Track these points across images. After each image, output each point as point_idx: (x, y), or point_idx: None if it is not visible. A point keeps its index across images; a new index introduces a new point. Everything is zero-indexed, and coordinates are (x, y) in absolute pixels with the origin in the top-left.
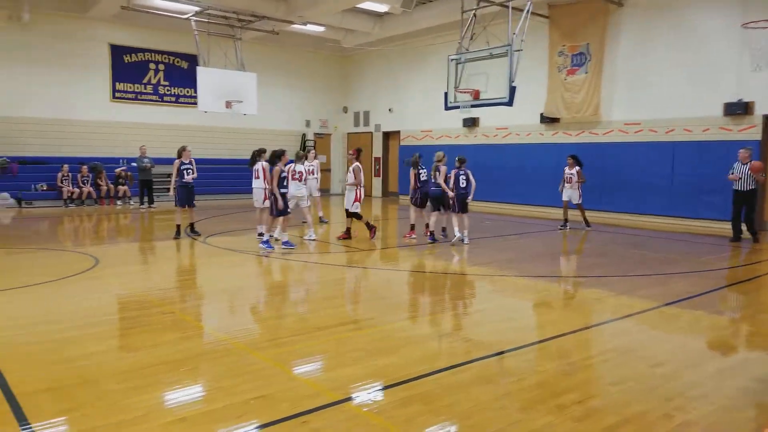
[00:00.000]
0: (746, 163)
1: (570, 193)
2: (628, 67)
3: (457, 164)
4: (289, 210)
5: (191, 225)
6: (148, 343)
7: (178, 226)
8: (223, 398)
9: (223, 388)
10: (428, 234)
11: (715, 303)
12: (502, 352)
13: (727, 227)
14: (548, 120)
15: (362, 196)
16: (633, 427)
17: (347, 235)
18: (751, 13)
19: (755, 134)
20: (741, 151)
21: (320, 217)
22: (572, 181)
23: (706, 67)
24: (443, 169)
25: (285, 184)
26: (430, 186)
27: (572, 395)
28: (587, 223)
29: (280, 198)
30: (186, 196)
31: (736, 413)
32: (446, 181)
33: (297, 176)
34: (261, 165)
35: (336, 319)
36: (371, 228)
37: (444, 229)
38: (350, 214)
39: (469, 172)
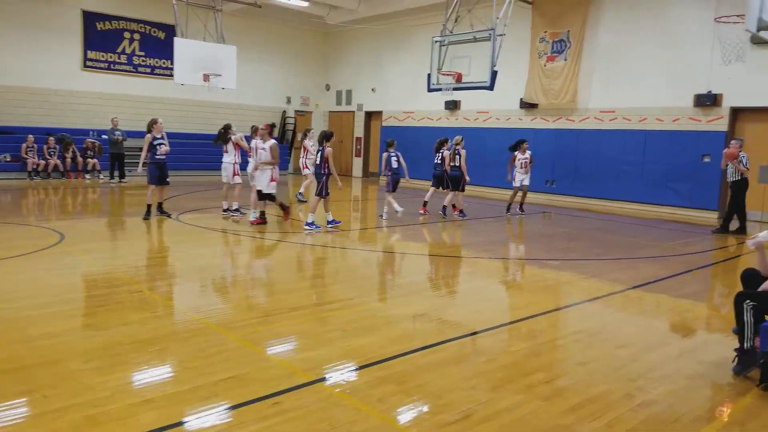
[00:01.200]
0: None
1: (523, 177)
2: (605, 56)
3: (387, 147)
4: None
5: (159, 205)
6: (116, 322)
7: (149, 206)
8: (192, 379)
9: (193, 369)
10: (457, 211)
11: (679, 287)
12: (475, 333)
13: (694, 214)
14: (527, 105)
15: (278, 176)
16: (596, 406)
17: (262, 219)
18: (724, 8)
19: (722, 125)
20: (732, 142)
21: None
22: (526, 165)
23: (679, 59)
24: (463, 152)
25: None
26: (452, 169)
27: (540, 375)
28: (522, 208)
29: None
30: (159, 173)
31: (694, 393)
32: (394, 164)
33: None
34: (233, 140)
35: (311, 300)
36: (285, 209)
37: (444, 207)
38: (264, 196)
39: (399, 154)
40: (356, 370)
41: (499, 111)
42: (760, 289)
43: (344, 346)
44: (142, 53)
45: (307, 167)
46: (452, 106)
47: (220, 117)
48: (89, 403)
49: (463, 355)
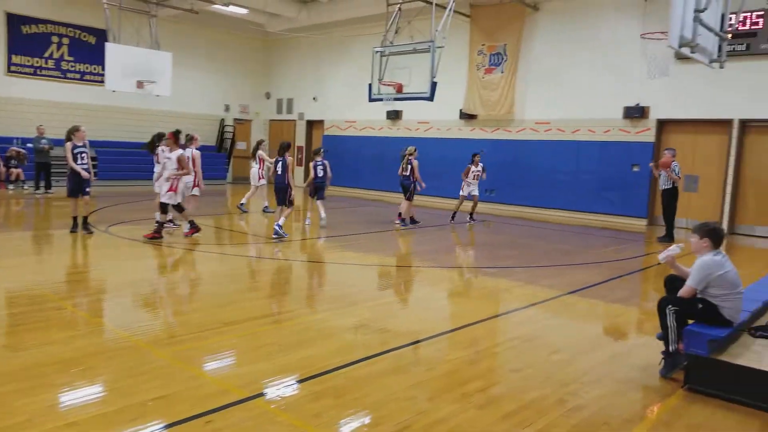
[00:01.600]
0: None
1: (473, 187)
2: (540, 69)
3: (314, 155)
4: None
5: (84, 219)
6: (37, 341)
7: (75, 219)
8: (119, 400)
9: (120, 389)
10: (399, 220)
11: (611, 292)
12: (415, 342)
13: (624, 222)
14: (467, 116)
15: (184, 186)
16: (530, 413)
17: (158, 233)
18: (650, 24)
19: (650, 137)
20: (665, 151)
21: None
22: (478, 177)
23: (609, 72)
24: (415, 162)
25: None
26: (403, 178)
27: (477, 383)
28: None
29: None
30: (77, 184)
31: (623, 396)
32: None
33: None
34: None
35: (248, 313)
36: (194, 226)
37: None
38: (162, 206)
39: (326, 162)
40: (292, 385)
41: (439, 121)
42: (679, 294)
43: (280, 361)
44: (72, 58)
45: (263, 178)
46: (394, 115)
47: (156, 125)
48: (8, 429)
49: (401, 365)
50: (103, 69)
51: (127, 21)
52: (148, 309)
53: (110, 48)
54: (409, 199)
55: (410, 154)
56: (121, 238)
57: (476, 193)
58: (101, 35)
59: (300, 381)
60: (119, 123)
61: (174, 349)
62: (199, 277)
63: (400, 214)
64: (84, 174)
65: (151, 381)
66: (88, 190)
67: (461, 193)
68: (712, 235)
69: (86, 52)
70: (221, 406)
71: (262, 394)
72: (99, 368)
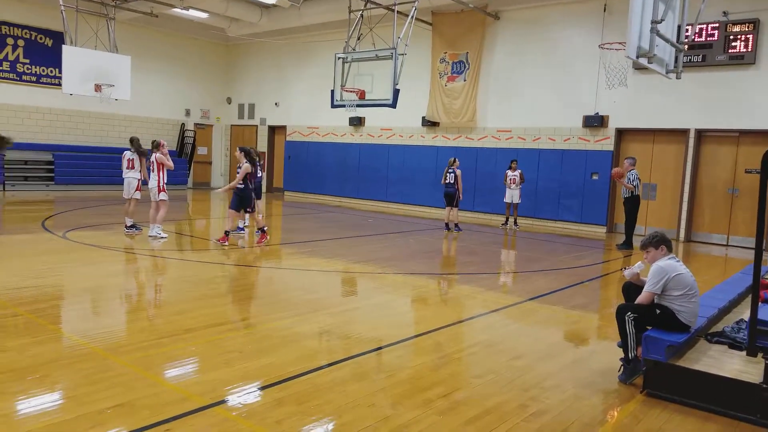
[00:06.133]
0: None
1: (514, 193)
2: (502, 78)
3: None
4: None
5: None
6: None
7: None
8: (76, 408)
9: (77, 398)
10: (455, 226)
11: (571, 298)
12: (378, 349)
13: (585, 229)
14: (429, 123)
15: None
16: (491, 418)
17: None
18: (608, 35)
19: (609, 145)
20: (625, 161)
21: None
22: (515, 182)
23: (569, 81)
24: (458, 171)
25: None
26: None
27: (439, 389)
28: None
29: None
30: None
31: (583, 401)
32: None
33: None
34: (128, 154)
35: (209, 320)
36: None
37: (447, 224)
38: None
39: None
40: (254, 391)
41: (402, 128)
42: (636, 301)
43: (242, 368)
44: (27, 60)
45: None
46: (357, 122)
47: (115, 129)
48: None
49: (364, 371)
50: (60, 72)
51: (85, 23)
52: (107, 316)
53: (67, 50)
54: (456, 206)
55: (451, 164)
56: (80, 244)
57: (516, 200)
58: (58, 37)
59: (262, 388)
60: (77, 127)
61: (133, 356)
62: (160, 284)
63: (456, 224)
64: None
65: (109, 389)
66: None
67: (504, 199)
68: (665, 241)
69: (43, 54)
70: (181, 413)
71: (223, 402)
72: (56, 376)
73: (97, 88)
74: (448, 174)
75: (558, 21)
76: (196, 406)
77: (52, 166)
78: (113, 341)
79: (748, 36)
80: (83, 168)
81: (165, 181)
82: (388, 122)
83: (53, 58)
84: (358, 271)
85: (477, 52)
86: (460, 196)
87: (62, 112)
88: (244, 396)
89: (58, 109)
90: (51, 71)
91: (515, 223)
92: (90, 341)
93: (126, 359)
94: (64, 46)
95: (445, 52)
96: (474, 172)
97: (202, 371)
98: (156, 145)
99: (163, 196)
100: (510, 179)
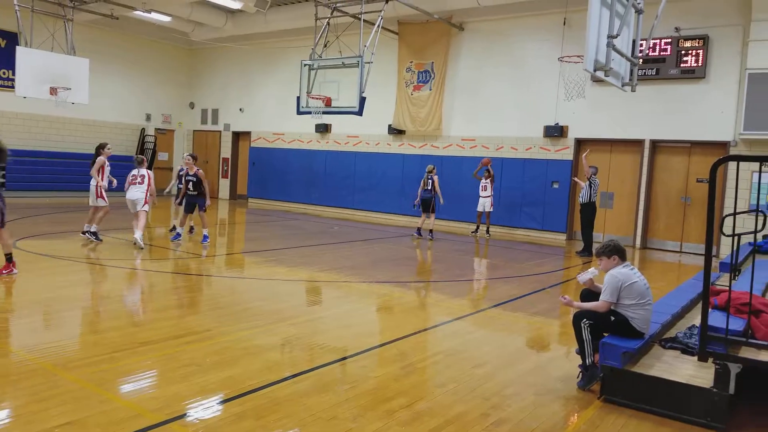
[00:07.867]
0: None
1: (485, 201)
2: (466, 88)
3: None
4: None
5: None
6: None
7: None
8: (24, 427)
9: (24, 415)
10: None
11: (532, 305)
12: (341, 359)
13: (545, 236)
14: (395, 131)
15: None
16: (453, 428)
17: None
18: (567, 48)
19: (568, 155)
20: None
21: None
22: (486, 189)
23: (531, 92)
24: (435, 178)
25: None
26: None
27: (401, 399)
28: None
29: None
30: None
31: (543, 408)
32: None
33: (139, 180)
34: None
35: (166, 333)
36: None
37: (419, 230)
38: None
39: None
40: (211, 406)
41: (368, 135)
42: (592, 308)
43: (200, 382)
44: None
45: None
46: (323, 129)
47: (72, 133)
48: None
49: (326, 383)
50: (13, 74)
51: (42, 24)
52: (57, 329)
53: (21, 52)
54: (432, 212)
55: (430, 171)
56: (31, 253)
57: (488, 209)
58: (12, 38)
59: (221, 402)
60: (32, 131)
61: (85, 371)
62: (114, 295)
63: (430, 231)
64: None
65: (59, 406)
66: None
67: (477, 208)
68: (619, 250)
69: None
70: (135, 431)
71: (179, 417)
72: (1, 394)
73: (53, 91)
74: (428, 180)
75: (520, 33)
76: (150, 423)
77: (3, 172)
78: (63, 356)
79: (698, 51)
80: (36, 174)
81: (106, 186)
82: (355, 129)
83: (7, 60)
84: (323, 279)
85: (442, 62)
86: (441, 200)
87: (15, 115)
88: (202, 411)
89: (11, 113)
90: (3, 73)
91: (487, 231)
92: (38, 356)
93: (76, 375)
94: (18, 47)
95: (411, 62)
96: (440, 179)
97: (158, 386)
98: (101, 147)
99: (101, 201)
100: (481, 186)
